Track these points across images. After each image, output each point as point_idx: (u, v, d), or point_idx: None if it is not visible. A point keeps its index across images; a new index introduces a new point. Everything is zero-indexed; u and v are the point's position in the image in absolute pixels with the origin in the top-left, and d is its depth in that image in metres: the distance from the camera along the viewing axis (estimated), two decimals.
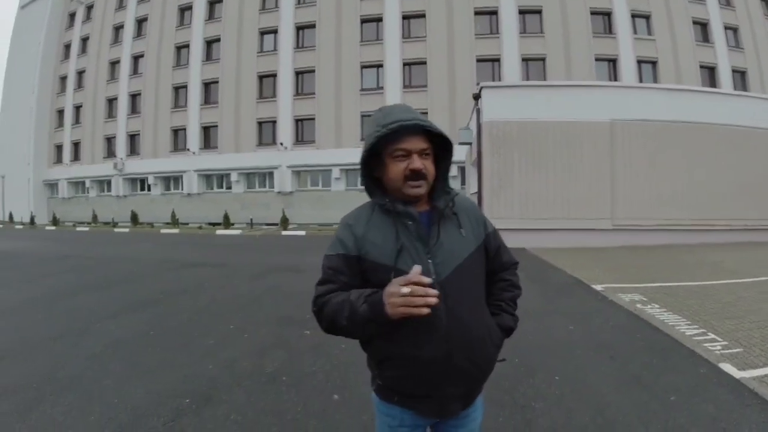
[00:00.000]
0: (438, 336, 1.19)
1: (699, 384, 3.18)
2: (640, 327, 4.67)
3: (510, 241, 8.05)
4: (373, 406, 1.38)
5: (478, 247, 1.30)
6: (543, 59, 24.02)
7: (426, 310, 1.06)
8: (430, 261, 1.20)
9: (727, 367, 3.44)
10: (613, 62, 24.09)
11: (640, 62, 23.91)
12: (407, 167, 1.19)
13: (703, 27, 24.56)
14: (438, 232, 1.23)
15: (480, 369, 1.28)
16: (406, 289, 1.05)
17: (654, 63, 24.00)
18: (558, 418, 2.71)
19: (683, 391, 3.06)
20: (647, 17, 24.23)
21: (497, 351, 1.33)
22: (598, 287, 6.72)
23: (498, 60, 24.41)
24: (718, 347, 3.92)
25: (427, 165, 1.22)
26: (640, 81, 23.17)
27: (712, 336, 4.24)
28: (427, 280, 1.06)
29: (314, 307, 1.24)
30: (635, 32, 24.12)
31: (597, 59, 23.75)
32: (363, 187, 1.30)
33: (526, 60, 24.21)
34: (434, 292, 1.06)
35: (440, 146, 1.27)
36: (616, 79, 23.44)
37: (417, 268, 1.08)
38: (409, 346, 1.20)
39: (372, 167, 1.27)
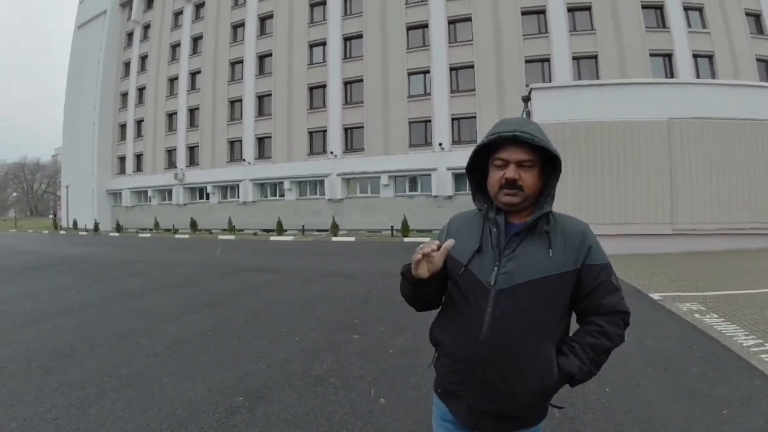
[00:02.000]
0: (474, 336, 1.23)
1: (752, 397, 3.08)
2: (697, 338, 4.51)
3: None
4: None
5: (564, 273, 1.23)
6: (595, 57, 23.20)
7: (417, 256, 1.20)
8: (496, 268, 1.23)
9: None
10: (668, 57, 22.84)
11: (696, 56, 22.53)
12: (502, 176, 1.23)
13: (756, 18, 22.88)
14: (518, 244, 1.24)
15: (514, 395, 1.22)
16: (426, 248, 1.20)
17: (710, 57, 22.55)
18: (606, 430, 2.69)
19: (735, 404, 2.97)
20: (700, 9, 22.81)
21: (546, 390, 1.23)
22: (656, 296, 6.48)
23: (548, 60, 23.80)
24: None
25: (525, 176, 1.23)
26: (697, 77, 21.80)
27: None
28: (450, 242, 1.21)
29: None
30: (689, 25, 22.79)
31: (651, 54, 22.60)
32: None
33: (576, 59, 23.47)
34: (434, 245, 1.20)
35: (551, 162, 1.28)
36: (671, 76, 22.21)
37: (449, 242, 1.22)
38: (447, 336, 1.32)
39: (483, 174, 1.33)
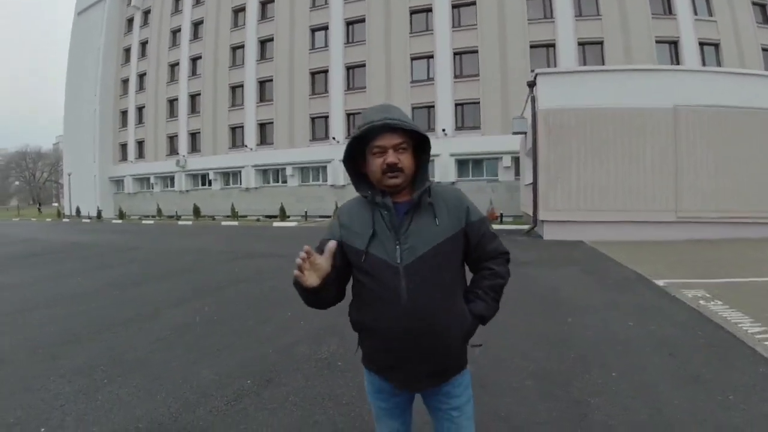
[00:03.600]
0: (395, 312, 1.31)
1: (757, 383, 3.09)
2: (702, 324, 4.52)
3: (567, 233, 7.96)
4: None
5: (453, 236, 1.37)
6: (600, 43, 22.92)
7: (296, 272, 1.25)
8: (398, 247, 1.33)
9: None
10: (674, 45, 22.58)
11: (702, 44, 22.24)
12: (383, 162, 1.32)
13: (762, 8, 22.55)
14: (410, 221, 1.34)
15: (444, 351, 1.36)
16: (298, 260, 1.23)
17: (716, 45, 22.25)
18: (614, 414, 2.71)
19: (741, 390, 2.98)
20: None
21: (464, 336, 1.39)
22: (660, 282, 6.48)
23: (553, 45, 23.54)
24: None
25: (402, 159, 1.33)
26: (703, 65, 21.59)
27: None
28: (306, 248, 1.24)
29: None
30: (695, 13, 22.46)
31: (657, 41, 22.33)
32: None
33: (582, 44, 23.20)
34: (300, 254, 1.23)
35: (418, 140, 1.38)
36: (677, 63, 21.94)
37: (331, 243, 1.31)
38: (370, 318, 1.38)
39: (360, 164, 1.41)
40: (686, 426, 2.55)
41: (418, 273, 1.31)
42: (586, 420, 2.64)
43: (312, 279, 1.27)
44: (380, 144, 1.31)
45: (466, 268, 1.49)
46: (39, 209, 45.97)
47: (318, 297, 1.34)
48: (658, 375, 3.27)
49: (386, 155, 1.31)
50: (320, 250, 1.35)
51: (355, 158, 1.40)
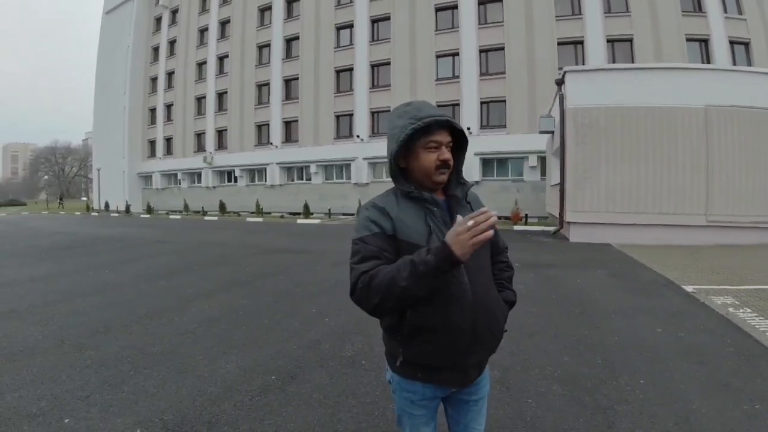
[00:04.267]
0: (465, 306, 1.31)
1: None
2: (731, 332, 4.47)
3: (595, 236, 7.89)
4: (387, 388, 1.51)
5: None
6: (630, 40, 22.37)
7: (490, 233, 1.11)
8: None
9: None
10: (704, 43, 21.88)
11: (732, 43, 21.53)
12: (438, 157, 1.34)
13: None
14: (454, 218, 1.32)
15: (495, 338, 1.42)
16: (470, 222, 1.12)
17: (746, 44, 21.48)
18: (641, 422, 2.71)
19: None
20: None
21: (504, 322, 1.46)
22: (689, 288, 6.39)
23: (581, 42, 23.07)
24: None
25: (451, 157, 1.38)
26: (734, 63, 20.86)
27: None
28: (484, 208, 1.15)
29: (360, 284, 1.24)
30: (725, 11, 21.72)
31: (687, 39, 21.69)
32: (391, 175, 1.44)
33: (611, 41, 22.68)
34: (492, 213, 1.14)
35: (456, 141, 1.43)
36: (707, 62, 21.28)
37: (460, 218, 1.16)
38: (442, 316, 1.30)
39: (398, 157, 1.38)
40: None
41: (474, 265, 1.33)
42: (613, 428, 2.64)
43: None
44: (437, 139, 1.34)
45: None
46: (60, 203, 46.89)
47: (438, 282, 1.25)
48: (686, 382, 3.26)
49: (440, 151, 1.34)
50: (380, 247, 1.29)
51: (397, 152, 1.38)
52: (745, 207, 11.12)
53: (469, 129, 24.12)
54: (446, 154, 1.35)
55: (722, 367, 3.52)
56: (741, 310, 5.15)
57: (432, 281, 1.18)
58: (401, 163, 1.39)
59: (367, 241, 1.31)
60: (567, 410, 2.87)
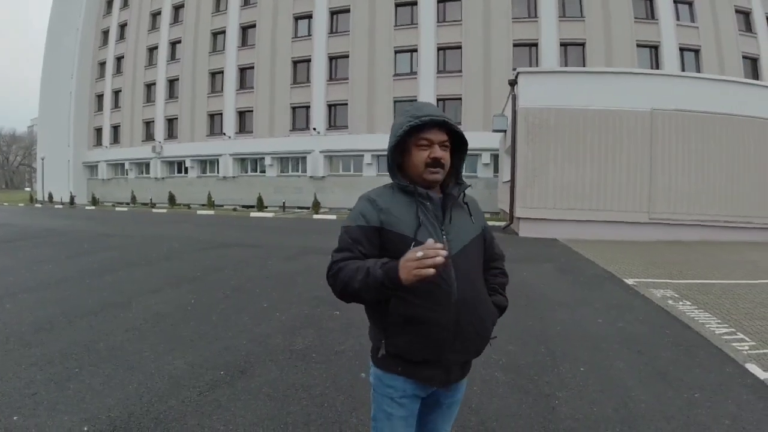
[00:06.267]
0: (449, 302, 1.31)
1: (723, 383, 3.17)
2: (670, 323, 4.62)
3: (543, 231, 8.10)
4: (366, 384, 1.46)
5: (479, 235, 1.47)
6: (582, 44, 23.25)
7: (431, 271, 1.10)
8: (444, 237, 1.35)
9: (753, 368, 3.41)
10: (655, 49, 23.05)
11: (682, 50, 22.79)
12: (429, 155, 1.35)
13: (746, 16, 23.20)
14: (450, 215, 1.39)
15: (481, 339, 1.41)
16: (420, 253, 1.11)
17: (697, 51, 22.81)
18: (581, 408, 2.76)
19: (707, 389, 3.06)
20: (690, 3, 23.06)
21: (492, 326, 1.45)
22: (630, 281, 6.63)
23: (536, 45, 23.77)
24: (746, 347, 3.87)
25: (445, 156, 1.37)
26: (683, 70, 22.06)
27: (741, 336, 4.18)
28: (440, 245, 1.13)
29: (329, 272, 1.31)
30: (678, 18, 22.96)
31: (638, 45, 22.78)
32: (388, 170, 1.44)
33: (564, 45, 23.50)
34: (443, 253, 1.11)
35: (457, 143, 1.44)
36: (657, 67, 22.42)
37: (431, 241, 1.15)
38: (424, 309, 1.30)
39: (396, 154, 1.42)
40: (652, 421, 2.59)
41: (463, 264, 1.36)
42: (554, 413, 2.68)
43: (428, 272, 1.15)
44: (428, 137, 1.35)
45: None
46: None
47: (387, 294, 1.25)
48: (626, 371, 3.33)
49: (432, 149, 1.35)
50: (355, 240, 1.32)
51: (394, 148, 1.41)
52: (687, 205, 11.72)
53: None
54: (437, 153, 1.35)
55: (661, 357, 3.62)
56: (680, 303, 5.36)
57: (377, 293, 1.22)
58: (399, 159, 1.43)
59: (349, 231, 1.36)
60: (510, 396, 2.91)
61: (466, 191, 1.47)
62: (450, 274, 1.31)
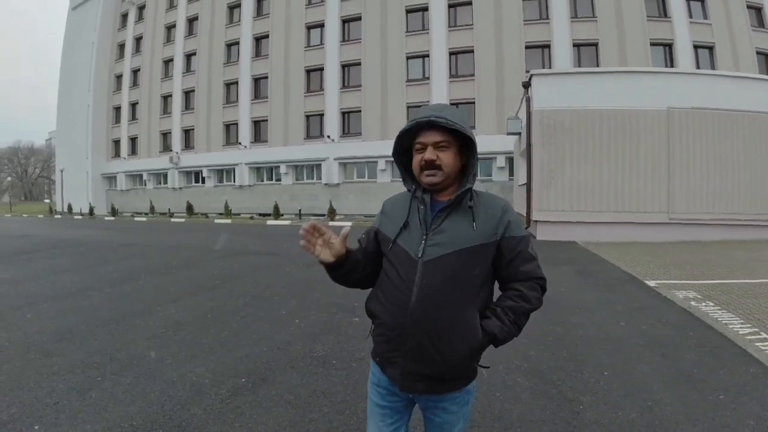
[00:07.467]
0: (404, 305, 1.31)
1: (748, 383, 3.12)
2: (693, 325, 4.56)
3: (560, 234, 7.99)
4: None
5: (484, 245, 1.31)
6: (595, 44, 23.04)
7: (302, 242, 1.38)
8: (424, 242, 1.33)
9: None
10: (668, 47, 22.72)
11: (696, 47, 22.39)
12: (422, 158, 1.33)
13: (757, 11, 22.74)
14: (443, 220, 1.34)
15: (441, 360, 1.30)
16: (301, 230, 1.36)
17: (711, 48, 22.42)
18: (605, 413, 2.73)
19: (732, 390, 3.01)
20: (702, 0, 22.70)
21: (472, 351, 1.31)
22: (652, 283, 6.54)
23: (548, 46, 23.63)
24: None
25: (442, 156, 1.32)
26: (697, 67, 21.70)
27: (765, 335, 4.11)
28: (310, 222, 1.37)
29: None
30: (690, 16, 22.62)
31: (652, 44, 22.47)
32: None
33: (577, 45, 23.31)
34: (304, 226, 1.37)
35: (466, 141, 1.36)
36: (671, 65, 22.12)
37: (345, 229, 1.35)
38: (381, 305, 1.39)
39: (404, 159, 1.45)
40: (677, 425, 2.56)
41: (435, 272, 1.29)
42: (579, 418, 2.66)
43: (325, 254, 1.36)
44: (421, 141, 1.34)
45: (496, 286, 1.43)
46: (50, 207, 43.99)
47: (336, 273, 1.42)
48: (650, 374, 3.29)
49: (424, 152, 1.33)
50: (364, 235, 1.50)
51: (405, 153, 1.44)
52: (706, 205, 11.53)
53: None
54: (428, 155, 1.31)
55: (685, 359, 3.58)
56: (703, 304, 5.28)
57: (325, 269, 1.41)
58: (409, 164, 1.44)
59: (366, 231, 1.51)
60: (533, 402, 2.89)
61: (481, 195, 1.38)
62: (410, 277, 1.30)
